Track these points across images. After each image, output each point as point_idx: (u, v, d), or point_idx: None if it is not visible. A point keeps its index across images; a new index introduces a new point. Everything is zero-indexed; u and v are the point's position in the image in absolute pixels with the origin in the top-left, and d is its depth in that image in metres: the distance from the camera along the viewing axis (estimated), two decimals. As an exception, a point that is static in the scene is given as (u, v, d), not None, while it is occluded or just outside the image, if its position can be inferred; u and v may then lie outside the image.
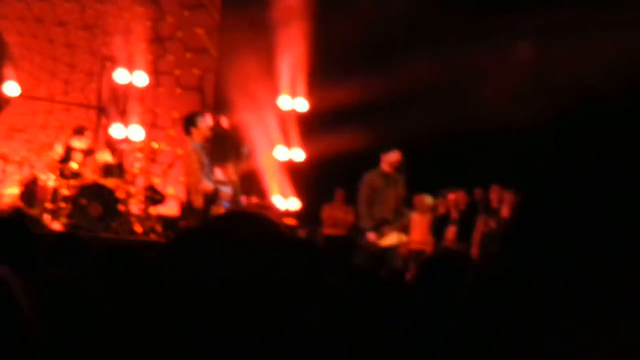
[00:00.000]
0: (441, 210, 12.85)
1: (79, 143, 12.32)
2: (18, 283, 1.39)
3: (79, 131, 12.48)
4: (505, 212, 11.93)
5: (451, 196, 12.58)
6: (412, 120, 13.08)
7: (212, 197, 10.51)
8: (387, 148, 11.13)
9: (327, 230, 13.61)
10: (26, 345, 1.36)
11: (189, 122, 10.71)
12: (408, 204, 11.73)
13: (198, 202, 10.65)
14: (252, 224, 1.92)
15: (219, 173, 11.17)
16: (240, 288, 1.57)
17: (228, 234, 1.72)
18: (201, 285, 1.55)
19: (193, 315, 1.49)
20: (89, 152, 12.38)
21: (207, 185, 10.38)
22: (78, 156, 12.12)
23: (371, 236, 10.54)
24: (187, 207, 11.32)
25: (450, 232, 12.66)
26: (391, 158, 10.92)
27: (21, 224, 4.49)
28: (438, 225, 12.67)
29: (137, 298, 1.64)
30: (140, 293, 1.63)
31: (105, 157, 12.44)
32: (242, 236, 1.66)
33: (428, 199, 12.09)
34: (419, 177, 11.20)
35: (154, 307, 1.55)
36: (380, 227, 10.62)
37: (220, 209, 10.33)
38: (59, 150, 12.38)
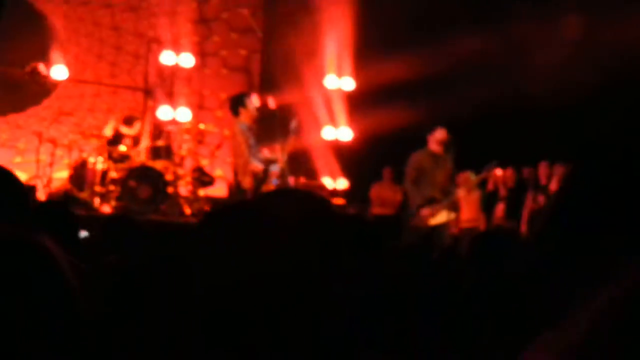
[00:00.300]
0: (490, 187, 12.73)
1: (128, 130, 12.37)
2: (63, 256, 1.34)
3: (128, 121, 12.52)
4: (553, 188, 11.78)
5: (497, 172, 12.44)
6: (459, 97, 12.95)
7: (261, 177, 10.48)
8: (435, 125, 11.04)
9: (376, 210, 13.53)
10: (71, 321, 1.31)
11: (237, 103, 10.68)
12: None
13: (246, 182, 10.62)
14: (300, 201, 1.86)
15: (266, 153, 11.13)
16: (282, 264, 1.52)
17: (274, 210, 1.67)
18: (241, 261, 1.50)
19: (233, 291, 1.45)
20: (137, 139, 12.42)
21: (256, 166, 10.34)
22: (127, 141, 12.18)
23: (425, 211, 10.47)
24: (235, 188, 11.31)
25: (499, 209, 12.54)
26: (438, 136, 10.85)
27: (66, 209, 4.47)
28: (487, 203, 12.56)
29: (178, 277, 1.59)
30: (181, 271, 1.58)
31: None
32: (288, 212, 1.61)
33: (472, 176, 11.95)
34: (467, 154, 11.08)
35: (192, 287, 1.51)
36: (429, 206, 10.55)
37: (270, 187, 10.30)
38: (107, 133, 12.43)
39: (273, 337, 1.43)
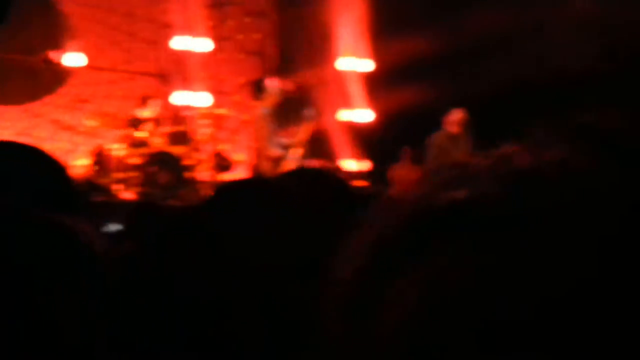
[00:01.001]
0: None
1: (145, 112, 12.31)
2: (101, 244, 1.30)
3: (143, 101, 12.48)
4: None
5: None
6: (478, 74, 12.87)
7: (278, 163, 10.45)
8: (454, 104, 10.98)
9: (396, 191, 13.44)
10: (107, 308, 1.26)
11: (259, 88, 10.60)
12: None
13: (266, 167, 10.58)
14: (316, 180, 1.81)
15: (284, 137, 11.10)
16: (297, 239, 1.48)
17: (290, 188, 1.62)
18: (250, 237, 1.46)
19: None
20: (156, 121, 12.36)
21: (274, 151, 10.30)
22: (146, 125, 12.12)
23: None
24: (255, 173, 11.28)
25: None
26: (455, 117, 10.79)
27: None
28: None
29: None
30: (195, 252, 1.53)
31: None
32: (304, 190, 1.57)
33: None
34: (486, 133, 10.98)
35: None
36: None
37: None
38: (126, 119, 12.38)
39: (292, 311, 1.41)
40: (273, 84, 10.75)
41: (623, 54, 11.53)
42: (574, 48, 12.41)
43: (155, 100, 12.63)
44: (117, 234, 5.45)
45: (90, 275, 1.27)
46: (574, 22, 13.16)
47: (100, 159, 12.06)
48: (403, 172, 13.58)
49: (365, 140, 14.18)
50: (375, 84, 14.36)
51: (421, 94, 13.10)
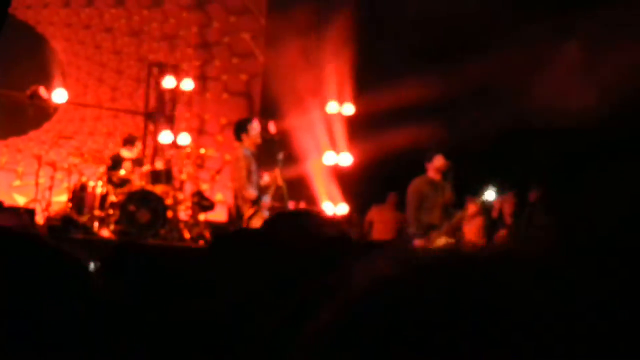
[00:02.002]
0: (494, 214, 12.68)
1: (128, 153, 12.34)
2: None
3: (129, 141, 12.49)
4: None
5: (496, 202, 12.41)
6: (459, 121, 12.95)
7: (255, 205, 10.43)
8: (436, 151, 11.01)
9: (375, 234, 13.46)
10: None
11: (240, 129, 10.63)
12: (459, 206, 11.57)
13: (244, 208, 10.59)
14: (296, 227, 1.86)
15: (266, 177, 11.11)
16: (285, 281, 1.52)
17: (277, 235, 1.67)
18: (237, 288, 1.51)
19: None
20: (137, 161, 12.38)
21: (251, 193, 10.30)
22: (127, 165, 12.14)
23: (419, 242, 10.42)
24: (235, 214, 11.27)
25: (501, 235, 12.49)
26: (436, 164, 10.81)
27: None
28: (491, 230, 12.51)
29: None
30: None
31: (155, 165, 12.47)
32: (289, 237, 1.62)
33: (472, 205, 11.87)
34: (470, 179, 11.05)
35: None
36: (427, 233, 10.50)
37: (260, 220, 10.23)
38: (107, 157, 12.40)
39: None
40: (254, 126, 10.76)
41: (614, 100, 11.60)
42: (560, 97, 12.48)
43: (138, 141, 12.68)
44: (96, 271, 5.46)
45: (80, 292, 1.31)
46: (561, 71, 13.25)
47: (81, 196, 12.05)
48: (384, 214, 13.62)
49: (347, 183, 14.22)
50: (358, 128, 14.44)
51: (403, 139, 13.16)
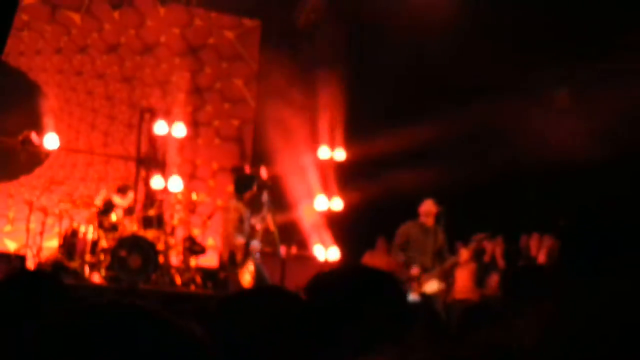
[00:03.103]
0: (486, 258, 12.68)
1: (120, 201, 12.33)
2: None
3: (122, 190, 12.49)
4: (541, 260, 11.74)
5: (486, 245, 12.42)
6: (450, 167, 12.99)
7: (244, 251, 10.42)
8: (425, 196, 11.04)
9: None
10: None
11: (244, 185, 10.67)
12: (451, 251, 11.57)
13: (237, 255, 10.59)
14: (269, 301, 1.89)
15: (258, 222, 11.12)
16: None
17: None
18: None
19: None
20: (129, 210, 12.39)
21: (239, 239, 10.30)
22: (118, 211, 12.14)
23: (414, 270, 10.41)
24: (225, 259, 11.27)
25: (493, 280, 12.46)
26: (425, 208, 10.82)
27: (56, 279, 4.41)
28: (484, 275, 12.50)
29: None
30: None
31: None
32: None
33: (464, 251, 11.86)
34: (460, 224, 11.07)
35: None
36: (419, 276, 10.48)
37: (251, 264, 10.22)
38: (99, 202, 12.40)
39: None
40: (256, 183, 10.75)
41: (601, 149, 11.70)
42: (549, 144, 12.57)
43: (130, 190, 12.69)
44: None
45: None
46: (551, 119, 13.34)
47: (71, 241, 12.02)
48: (376, 261, 13.59)
49: (338, 228, 14.23)
50: (349, 173, 14.49)
51: (394, 184, 13.20)
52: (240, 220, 10.40)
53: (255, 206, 11.35)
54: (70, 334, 1.23)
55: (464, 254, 11.45)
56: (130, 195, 12.64)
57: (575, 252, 2.16)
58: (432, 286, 10.55)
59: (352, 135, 14.58)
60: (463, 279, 12.32)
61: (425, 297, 10.44)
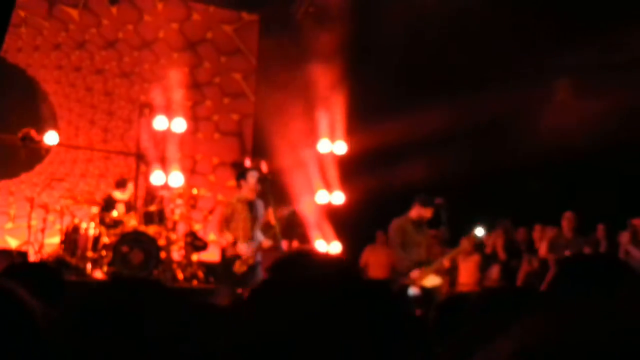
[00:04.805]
0: (488, 250, 12.69)
1: (120, 195, 12.33)
2: (29, 299, 1.37)
3: (121, 184, 12.49)
4: (542, 252, 11.74)
5: (487, 238, 12.42)
6: (452, 159, 12.99)
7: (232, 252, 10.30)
8: (427, 188, 11.00)
9: (371, 274, 13.44)
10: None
11: (241, 176, 10.55)
12: (452, 244, 11.57)
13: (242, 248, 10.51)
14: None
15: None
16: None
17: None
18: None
19: None
20: (129, 204, 12.38)
21: (226, 239, 10.19)
22: (119, 207, 12.13)
23: (415, 274, 10.37)
24: (230, 254, 11.23)
25: (494, 271, 12.48)
26: (421, 213, 10.66)
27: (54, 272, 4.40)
28: (486, 266, 12.51)
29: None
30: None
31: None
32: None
33: (465, 242, 11.84)
34: (462, 216, 11.06)
35: None
36: (419, 268, 10.45)
37: (243, 266, 10.15)
38: (99, 198, 12.39)
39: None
40: (252, 174, 10.63)
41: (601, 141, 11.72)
42: (551, 135, 12.57)
43: (129, 183, 12.67)
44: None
45: (20, 326, 1.32)
46: (550, 109, 13.34)
47: (73, 238, 12.02)
48: (376, 254, 13.61)
49: (339, 222, 14.22)
50: (350, 166, 14.47)
51: (396, 177, 13.20)
52: (227, 220, 10.25)
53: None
54: None
55: (465, 244, 11.45)
56: (130, 187, 12.63)
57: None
58: (432, 280, 10.53)
59: (353, 128, 14.57)
60: (467, 270, 12.33)
61: (425, 290, 10.42)
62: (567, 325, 0.82)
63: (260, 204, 10.44)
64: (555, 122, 12.75)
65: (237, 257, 10.06)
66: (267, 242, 10.46)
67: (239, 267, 9.96)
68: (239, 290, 9.64)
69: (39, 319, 1.35)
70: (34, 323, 1.34)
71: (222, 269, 10.29)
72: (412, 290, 10.29)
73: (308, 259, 2.16)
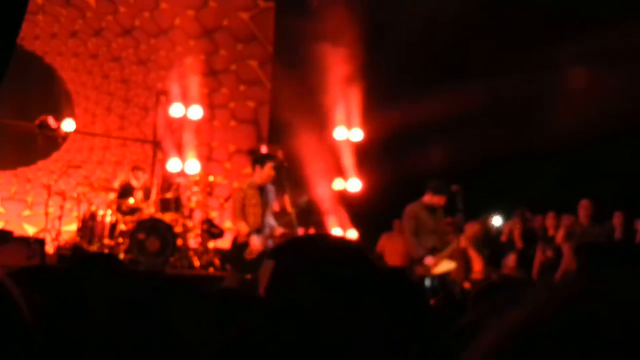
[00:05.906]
0: (503, 238, 12.64)
1: (136, 181, 12.37)
2: (17, 289, 1.37)
3: (136, 169, 12.53)
4: (559, 239, 11.69)
5: (505, 226, 12.39)
6: (468, 145, 12.94)
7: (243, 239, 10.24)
8: (442, 174, 10.96)
9: (388, 261, 13.42)
10: (25, 352, 1.32)
11: (257, 161, 10.47)
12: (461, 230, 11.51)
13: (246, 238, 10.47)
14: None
15: (275, 206, 11.07)
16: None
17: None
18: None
19: None
20: (145, 190, 12.40)
21: (242, 228, 10.13)
22: (138, 194, 12.16)
23: (429, 260, 10.34)
24: (236, 241, 11.19)
25: (511, 259, 12.44)
26: (433, 200, 10.63)
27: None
28: (500, 254, 12.47)
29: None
30: None
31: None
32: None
33: (470, 227, 11.74)
34: (476, 202, 11.02)
35: None
36: (433, 255, 10.42)
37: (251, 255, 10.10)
38: (116, 185, 12.43)
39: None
40: (269, 163, 10.53)
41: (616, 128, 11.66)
42: (566, 122, 12.50)
43: (145, 169, 12.70)
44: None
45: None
46: (566, 96, 13.27)
47: (90, 225, 12.05)
48: (393, 242, 13.58)
49: (356, 209, 14.21)
50: (366, 153, 14.44)
51: (412, 164, 13.16)
52: (243, 205, 10.19)
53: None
54: None
55: (470, 229, 11.36)
56: (145, 173, 12.67)
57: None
58: (444, 266, 10.49)
59: (369, 115, 14.53)
60: (480, 258, 12.30)
61: (438, 278, 10.39)
62: (578, 294, 0.81)
63: (271, 189, 10.37)
64: (573, 109, 12.67)
65: (248, 243, 10.04)
66: (279, 230, 10.42)
67: (249, 254, 9.94)
68: (248, 277, 9.65)
69: (26, 311, 1.35)
70: (21, 316, 1.33)
71: (233, 255, 10.27)
72: (427, 281, 10.28)
73: (315, 242, 2.16)
